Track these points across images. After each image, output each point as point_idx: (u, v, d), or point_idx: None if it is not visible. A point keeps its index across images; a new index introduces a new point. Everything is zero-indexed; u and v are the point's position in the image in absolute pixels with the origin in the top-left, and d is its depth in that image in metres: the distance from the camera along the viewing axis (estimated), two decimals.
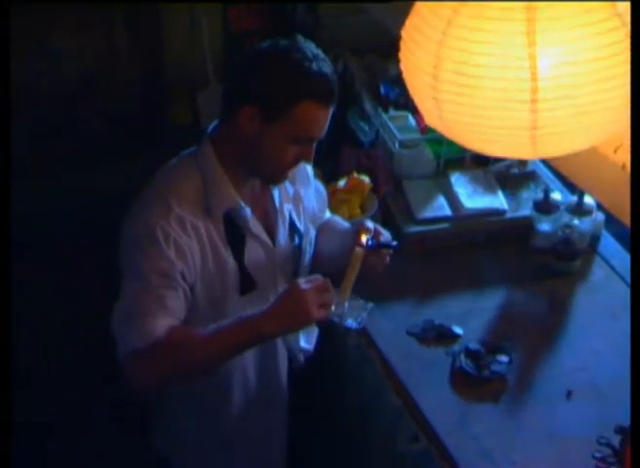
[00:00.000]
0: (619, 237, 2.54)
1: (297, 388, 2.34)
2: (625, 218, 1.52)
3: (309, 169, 2.19)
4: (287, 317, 1.89)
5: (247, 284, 2.06)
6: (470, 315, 2.34)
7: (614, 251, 2.54)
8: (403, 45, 1.46)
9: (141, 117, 3.13)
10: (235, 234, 2.03)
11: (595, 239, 2.53)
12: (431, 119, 1.48)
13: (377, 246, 2.04)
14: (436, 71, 1.38)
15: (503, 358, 2.18)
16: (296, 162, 1.99)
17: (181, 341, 1.90)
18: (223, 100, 1.99)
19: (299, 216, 2.17)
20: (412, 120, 2.80)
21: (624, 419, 1.69)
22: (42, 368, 2.94)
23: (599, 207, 2.42)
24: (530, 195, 2.65)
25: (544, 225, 2.50)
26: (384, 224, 2.37)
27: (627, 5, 1.36)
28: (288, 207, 2.14)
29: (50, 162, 3.04)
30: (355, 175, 2.61)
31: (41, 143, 3.06)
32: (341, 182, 2.60)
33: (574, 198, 2.48)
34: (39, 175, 3.00)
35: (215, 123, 2.04)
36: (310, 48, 1.91)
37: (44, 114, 3.03)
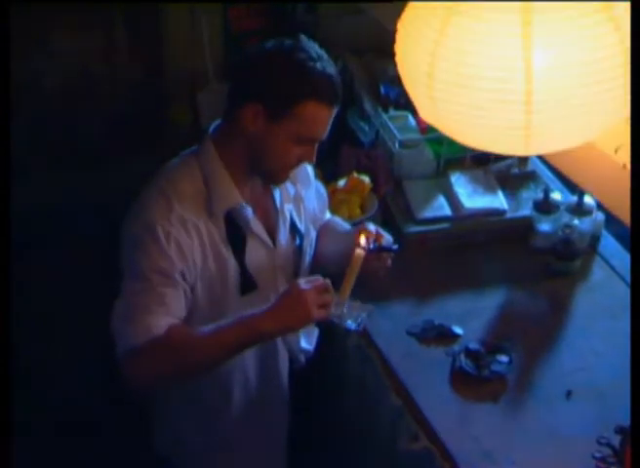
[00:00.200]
0: (619, 237, 2.54)
1: (297, 388, 2.34)
2: (626, 218, 1.53)
3: (310, 169, 2.19)
4: (287, 316, 1.89)
5: (247, 284, 2.06)
6: (470, 315, 2.33)
7: (614, 251, 2.54)
8: (398, 42, 1.47)
9: (141, 117, 3.13)
10: (236, 234, 2.03)
11: (595, 239, 2.53)
12: (426, 115, 1.49)
13: (377, 249, 2.04)
14: (432, 70, 1.38)
15: (503, 358, 2.17)
16: (298, 162, 2.00)
17: (181, 340, 1.90)
18: (227, 99, 1.99)
19: (299, 217, 2.17)
20: (412, 120, 2.80)
21: (624, 419, 1.69)
22: (42, 368, 2.94)
23: (599, 207, 2.42)
24: (530, 195, 2.65)
25: (544, 225, 2.49)
26: (384, 224, 2.38)
27: (624, 8, 1.36)
28: (289, 207, 2.14)
29: (50, 162, 3.04)
30: (355, 175, 2.61)
31: (41, 143, 3.06)
32: (341, 182, 2.60)
33: (574, 198, 2.48)
34: (39, 175, 3.00)
35: (216, 123, 2.04)
36: (314, 48, 1.92)
37: (44, 114, 3.03)
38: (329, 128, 1.96)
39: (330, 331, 2.28)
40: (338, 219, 2.37)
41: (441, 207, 2.62)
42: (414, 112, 2.78)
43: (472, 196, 2.63)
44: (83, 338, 2.72)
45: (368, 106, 2.86)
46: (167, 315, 1.90)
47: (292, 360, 2.28)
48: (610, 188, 1.74)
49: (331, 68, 1.92)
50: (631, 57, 1.35)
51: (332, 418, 2.51)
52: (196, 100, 3.10)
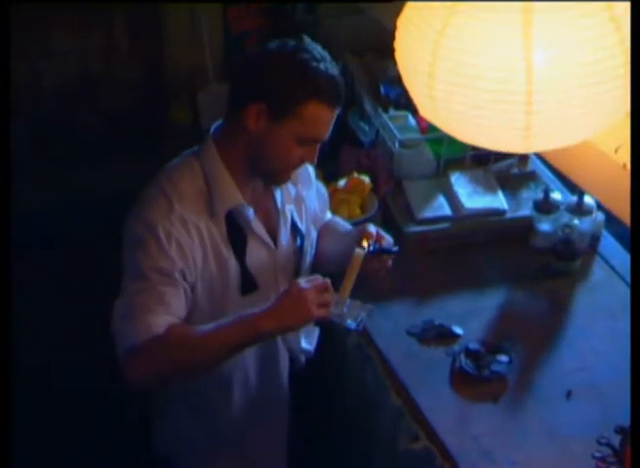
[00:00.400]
0: (619, 237, 2.54)
1: (297, 388, 2.34)
2: (626, 218, 1.53)
3: (311, 170, 2.20)
4: (287, 315, 1.89)
5: (248, 284, 2.06)
6: (470, 315, 2.34)
7: (614, 251, 2.54)
8: (398, 41, 1.47)
9: (141, 117, 3.13)
10: (237, 234, 2.03)
11: (595, 239, 2.53)
12: (426, 112, 1.49)
13: (377, 251, 2.04)
14: (432, 70, 1.38)
15: (503, 358, 2.18)
16: (299, 163, 2.00)
17: (180, 339, 1.90)
18: (229, 99, 1.99)
19: (300, 217, 2.17)
20: (412, 120, 2.80)
21: (624, 419, 1.69)
22: (42, 368, 2.94)
23: (599, 207, 2.42)
24: (530, 195, 2.65)
25: (544, 225, 2.49)
26: (384, 224, 2.38)
27: (624, 8, 1.36)
28: (290, 208, 2.14)
29: (50, 162, 3.04)
30: (355, 175, 2.62)
31: (41, 143, 3.06)
32: (341, 182, 2.61)
33: (574, 198, 2.48)
34: (39, 175, 3.00)
35: (217, 123, 2.05)
36: (317, 49, 1.93)
37: (44, 114, 3.03)
38: (331, 128, 1.97)
39: (330, 331, 2.28)
40: (338, 219, 2.37)
41: (441, 207, 2.62)
42: (414, 112, 2.79)
43: (472, 196, 2.63)
44: (83, 338, 2.72)
45: (368, 106, 2.86)
46: (167, 314, 1.91)
47: (292, 360, 2.28)
48: (610, 188, 1.73)
49: (334, 69, 1.93)
50: (631, 57, 1.35)
51: (332, 418, 2.51)
52: (196, 100, 3.10)
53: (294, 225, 2.16)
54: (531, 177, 2.75)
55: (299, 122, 1.91)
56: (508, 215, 2.61)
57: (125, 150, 3.08)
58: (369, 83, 2.93)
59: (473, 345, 2.20)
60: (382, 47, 2.90)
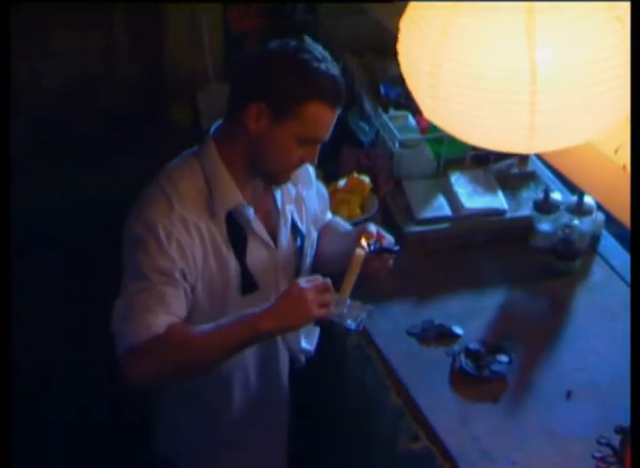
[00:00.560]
0: (619, 237, 2.54)
1: (297, 388, 2.34)
2: (626, 219, 1.52)
3: (311, 170, 2.20)
4: (287, 315, 1.90)
5: (248, 284, 2.06)
6: (470, 315, 2.34)
7: (614, 251, 2.54)
8: (401, 41, 1.46)
9: (141, 117, 3.13)
10: (237, 234, 2.03)
11: (595, 239, 2.53)
12: (429, 114, 1.49)
13: (378, 250, 2.04)
14: (434, 70, 1.38)
15: (503, 358, 2.18)
16: (300, 163, 2.00)
17: (180, 338, 1.90)
18: (229, 99, 1.99)
19: (300, 218, 2.18)
20: (412, 120, 2.80)
21: (624, 419, 1.69)
22: (42, 368, 2.94)
23: (599, 207, 2.42)
24: (530, 195, 2.65)
25: (544, 225, 2.49)
26: (384, 224, 2.38)
27: (625, 8, 1.36)
28: (290, 208, 2.14)
29: (50, 162, 3.04)
30: (355, 175, 2.62)
31: (41, 143, 3.06)
32: (341, 182, 2.61)
33: (574, 198, 2.48)
34: (39, 175, 3.00)
35: (218, 123, 2.05)
36: (318, 49, 1.93)
37: (44, 114, 3.02)
38: (331, 129, 1.97)
39: (330, 331, 2.28)
40: (339, 220, 2.37)
41: (441, 207, 2.62)
42: (414, 112, 2.79)
43: (472, 196, 2.63)
44: (83, 338, 2.72)
45: (368, 106, 2.86)
46: (167, 314, 1.91)
47: (292, 360, 2.28)
48: (610, 189, 1.73)
49: (335, 69, 1.93)
50: (631, 56, 1.35)
51: (332, 418, 2.51)
52: (196, 100, 3.10)
53: (294, 225, 2.16)
54: (531, 177, 2.75)
55: (299, 122, 1.91)
56: (508, 215, 2.62)
57: (125, 150, 3.08)
58: (369, 83, 2.93)
59: (473, 345, 2.20)
60: (382, 47, 2.91)
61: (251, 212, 2.03)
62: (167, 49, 3.09)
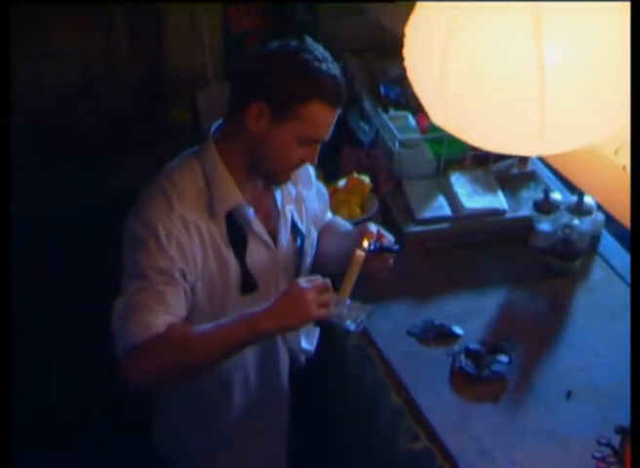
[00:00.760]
0: (619, 237, 2.54)
1: (297, 388, 2.34)
2: (626, 220, 1.52)
3: (311, 170, 2.20)
4: (286, 315, 1.89)
5: (248, 284, 2.06)
6: (470, 315, 2.34)
7: (614, 251, 2.54)
8: (407, 43, 1.46)
9: (141, 117, 3.13)
10: (237, 234, 2.03)
11: (595, 239, 2.53)
12: (437, 118, 1.48)
13: (378, 249, 2.04)
14: (442, 71, 1.37)
15: (503, 358, 2.18)
16: (300, 163, 2.00)
17: (180, 338, 1.90)
18: (230, 99, 1.99)
19: (300, 218, 2.18)
20: (412, 120, 2.80)
21: (624, 419, 1.69)
22: (42, 368, 2.94)
23: (599, 207, 2.42)
24: (530, 195, 2.65)
25: (544, 225, 2.49)
26: (385, 224, 2.38)
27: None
28: (290, 208, 2.14)
29: (50, 162, 3.04)
30: (355, 175, 2.62)
31: (41, 143, 3.06)
32: (341, 182, 2.61)
33: (574, 198, 2.48)
34: (39, 176, 3.00)
35: (218, 123, 2.05)
36: (319, 49, 1.93)
37: (44, 114, 3.03)
38: (332, 129, 1.97)
39: (330, 332, 2.28)
40: (339, 219, 2.37)
41: (441, 207, 2.62)
42: (414, 112, 2.79)
43: (472, 196, 2.63)
44: (83, 338, 2.72)
45: (368, 106, 2.86)
46: (167, 314, 1.91)
47: (292, 360, 2.28)
48: (610, 190, 1.73)
49: (335, 70, 1.93)
50: (631, 56, 1.35)
51: (332, 418, 2.51)
52: (196, 100, 3.10)
53: (294, 225, 2.16)
54: (531, 177, 2.75)
55: (300, 122, 1.91)
56: (508, 215, 2.62)
57: (125, 150, 3.08)
58: (369, 83, 2.93)
59: (473, 345, 2.20)
60: (382, 47, 2.91)
61: (251, 212, 2.03)
62: (167, 49, 3.09)
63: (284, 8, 3.08)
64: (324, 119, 1.93)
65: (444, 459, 1.98)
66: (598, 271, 2.50)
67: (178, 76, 3.12)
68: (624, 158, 1.62)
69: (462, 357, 2.18)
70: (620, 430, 1.86)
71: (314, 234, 2.24)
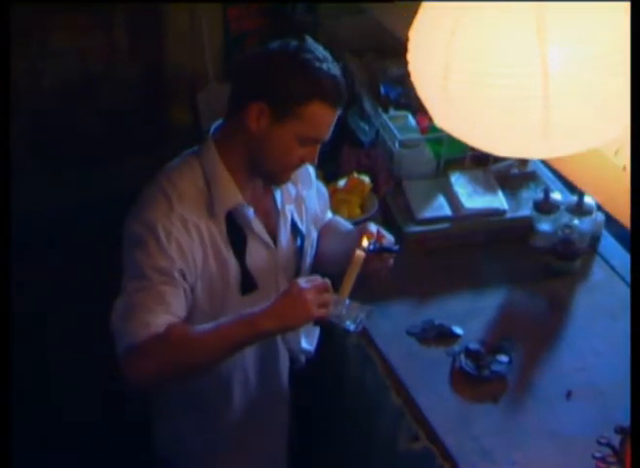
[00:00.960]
0: (619, 237, 2.54)
1: (297, 388, 2.34)
2: (626, 220, 1.52)
3: (311, 170, 2.20)
4: (286, 315, 1.90)
5: (248, 284, 2.06)
6: (470, 315, 2.34)
7: (614, 251, 2.54)
8: (411, 46, 1.46)
9: (141, 117, 3.13)
10: (237, 234, 2.03)
11: (595, 239, 2.53)
12: (440, 120, 1.47)
13: (378, 250, 2.04)
14: (446, 71, 1.37)
15: (503, 358, 2.18)
16: (300, 163, 2.01)
17: (180, 338, 1.90)
18: (230, 99, 2.00)
19: (300, 218, 2.18)
20: (412, 120, 2.80)
21: (624, 419, 1.69)
22: (42, 367, 2.94)
23: (599, 207, 2.42)
24: (530, 195, 2.65)
25: (544, 225, 2.49)
26: (385, 224, 2.38)
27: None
28: (290, 208, 2.14)
29: (50, 162, 3.04)
30: (355, 175, 2.62)
31: (41, 143, 3.06)
32: (341, 182, 2.61)
33: (574, 198, 2.48)
34: (39, 176, 3.00)
35: (217, 123, 2.05)
36: (319, 49, 1.94)
37: (44, 114, 3.03)
38: (332, 129, 1.97)
39: (330, 332, 2.28)
40: (339, 219, 2.37)
41: (441, 207, 2.62)
42: (414, 112, 2.79)
43: (472, 196, 2.63)
44: (83, 338, 2.72)
45: (368, 106, 2.86)
46: (166, 313, 1.91)
47: (292, 360, 2.28)
48: (610, 190, 1.73)
49: (336, 70, 1.93)
50: (631, 56, 1.34)
51: (332, 418, 2.51)
52: (196, 100, 3.10)
53: (294, 225, 2.16)
54: (531, 177, 2.75)
55: (300, 122, 1.91)
56: (508, 215, 2.61)
57: (125, 150, 3.08)
58: (369, 83, 2.93)
59: (473, 345, 2.20)
60: (382, 47, 2.91)
61: (250, 211, 2.03)
62: (167, 49, 3.09)
63: (284, 8, 3.08)
64: (324, 119, 1.94)
65: (444, 459, 1.98)
66: (598, 271, 2.50)
67: (178, 76, 3.12)
68: (625, 158, 1.62)
69: (462, 357, 2.18)
70: (620, 430, 1.86)
71: (314, 234, 2.24)
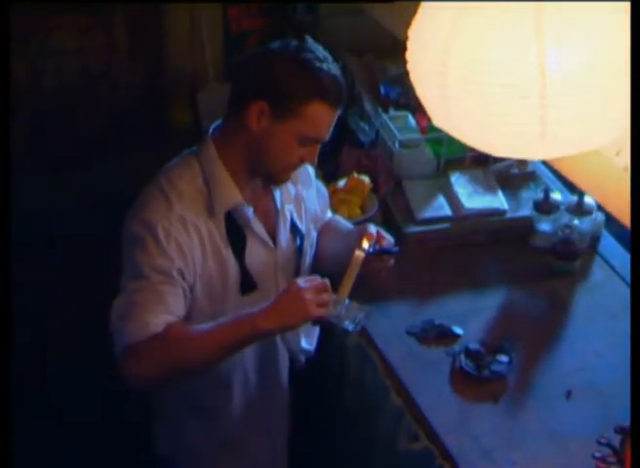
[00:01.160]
0: (619, 237, 2.54)
1: (297, 388, 2.34)
2: (627, 220, 1.52)
3: (311, 169, 2.20)
4: (285, 314, 1.90)
5: (248, 284, 2.06)
6: (470, 315, 2.34)
7: (614, 251, 2.54)
8: (410, 45, 1.46)
9: (141, 117, 3.13)
10: (236, 234, 2.03)
11: (595, 239, 2.53)
12: (439, 119, 1.48)
13: (377, 252, 2.04)
14: (445, 70, 1.37)
15: (503, 358, 2.18)
16: (299, 163, 2.01)
17: (178, 337, 1.90)
18: (230, 98, 2.00)
19: (300, 217, 2.18)
20: (412, 120, 2.80)
21: (624, 419, 1.69)
22: (42, 368, 2.94)
23: (599, 207, 2.42)
24: (530, 195, 2.65)
25: (544, 225, 2.49)
26: (384, 224, 2.38)
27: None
28: (289, 207, 2.14)
29: (50, 162, 3.04)
30: (355, 175, 2.62)
31: (41, 143, 3.06)
32: (341, 182, 2.61)
33: (574, 198, 2.48)
34: (39, 175, 3.00)
35: (216, 123, 2.05)
36: (320, 49, 1.94)
37: (44, 114, 3.03)
38: (332, 129, 1.97)
39: (330, 331, 2.28)
40: (339, 218, 2.37)
41: (441, 207, 2.62)
42: (414, 112, 2.79)
43: (472, 196, 2.63)
44: (83, 338, 2.72)
45: (368, 106, 2.86)
46: (165, 313, 1.91)
47: (292, 360, 2.28)
48: (611, 191, 1.73)
49: (336, 70, 1.94)
50: (631, 56, 1.34)
51: (332, 418, 2.51)
52: (196, 100, 3.10)
53: (293, 225, 2.16)
54: (531, 177, 2.75)
55: (300, 121, 1.92)
56: (508, 215, 2.62)
57: (125, 150, 3.08)
58: (369, 83, 2.93)
59: (473, 345, 2.20)
60: (382, 47, 2.91)
61: (250, 211, 2.03)
62: (167, 49, 3.09)
63: (284, 8, 3.08)
64: (324, 118, 1.94)
65: (444, 459, 1.98)
66: (598, 271, 2.50)
67: (178, 76, 3.12)
68: (626, 159, 1.62)
69: (462, 357, 2.18)
70: (619, 430, 1.86)
71: (314, 234, 2.24)
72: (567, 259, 2.46)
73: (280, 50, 1.94)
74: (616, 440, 1.87)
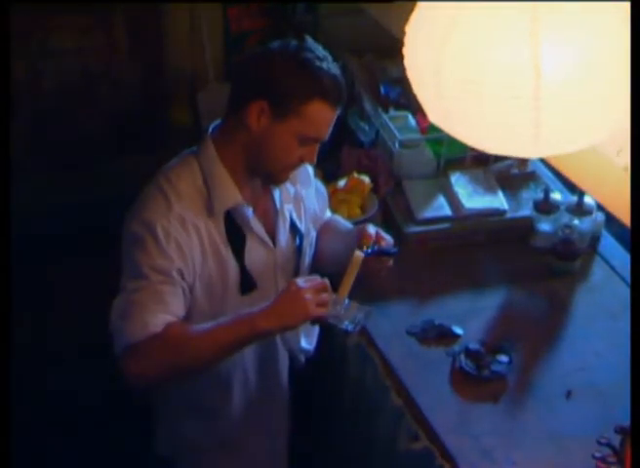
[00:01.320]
0: (619, 237, 2.54)
1: (297, 388, 2.34)
2: (627, 220, 1.52)
3: (310, 169, 2.20)
4: (284, 314, 1.90)
5: (247, 284, 2.06)
6: (470, 315, 2.34)
7: (614, 251, 2.54)
8: (407, 43, 1.46)
9: (141, 117, 3.13)
10: (236, 234, 2.03)
11: (595, 239, 2.53)
12: (435, 117, 1.48)
13: (376, 253, 2.04)
14: (440, 69, 1.38)
15: (503, 358, 2.18)
16: (299, 163, 2.01)
17: (178, 337, 1.90)
18: (230, 98, 2.00)
19: (299, 217, 2.18)
20: (412, 120, 2.80)
21: (624, 419, 1.69)
22: (42, 367, 2.94)
23: (599, 207, 2.42)
24: (530, 195, 2.65)
25: (544, 225, 2.49)
26: (384, 224, 2.38)
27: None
28: (289, 207, 2.14)
29: (50, 162, 3.05)
30: (355, 175, 2.62)
31: (41, 143, 3.06)
32: (341, 182, 2.61)
33: (574, 198, 2.48)
34: (39, 176, 3.00)
35: (216, 122, 2.05)
36: (320, 49, 1.94)
37: (44, 114, 3.03)
38: (331, 129, 1.97)
39: (329, 331, 2.28)
40: (339, 218, 2.37)
41: (441, 207, 2.62)
42: (414, 112, 2.79)
43: (472, 196, 2.63)
44: (83, 338, 2.72)
45: (368, 106, 2.86)
46: (165, 313, 1.91)
47: (292, 360, 2.28)
48: (611, 191, 1.73)
49: (336, 69, 1.94)
50: (631, 56, 1.35)
51: (332, 418, 2.51)
52: (196, 100, 3.10)
53: (293, 225, 2.16)
54: (531, 178, 2.75)
55: (300, 120, 1.92)
56: (508, 215, 2.62)
57: (125, 150, 3.09)
58: (369, 83, 2.93)
59: (473, 345, 2.20)
60: (382, 47, 2.91)
61: (249, 211, 2.03)
62: (167, 49, 3.09)
63: (284, 8, 3.08)
64: (324, 118, 1.94)
65: (444, 459, 1.98)
66: (598, 271, 2.50)
67: (178, 76, 3.12)
68: (626, 159, 1.62)
69: (462, 357, 2.18)
70: (619, 430, 1.86)
71: (313, 233, 2.24)
72: (567, 259, 2.46)
73: (280, 49, 1.94)
74: (616, 440, 1.87)
